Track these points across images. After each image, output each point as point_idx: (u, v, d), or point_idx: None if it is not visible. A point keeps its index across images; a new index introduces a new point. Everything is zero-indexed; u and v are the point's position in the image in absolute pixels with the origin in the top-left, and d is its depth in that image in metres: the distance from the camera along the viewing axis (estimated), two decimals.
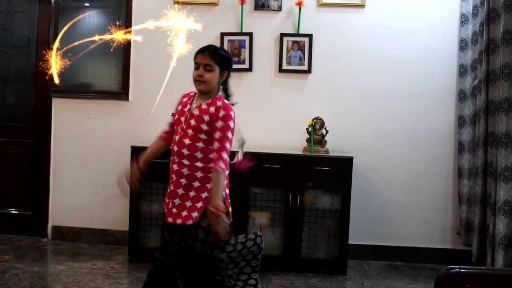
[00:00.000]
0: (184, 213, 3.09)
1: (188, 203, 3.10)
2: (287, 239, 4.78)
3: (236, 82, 5.24)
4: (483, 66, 4.59)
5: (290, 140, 5.20)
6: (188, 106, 3.24)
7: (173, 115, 3.36)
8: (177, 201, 3.12)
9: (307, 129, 5.02)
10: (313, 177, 4.76)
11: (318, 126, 4.96)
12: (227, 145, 3.07)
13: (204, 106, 3.16)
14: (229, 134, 3.09)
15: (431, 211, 5.25)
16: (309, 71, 5.23)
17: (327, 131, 5.01)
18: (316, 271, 4.75)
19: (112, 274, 4.49)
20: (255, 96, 5.30)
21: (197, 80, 3.18)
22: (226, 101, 3.18)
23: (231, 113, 3.12)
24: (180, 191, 3.12)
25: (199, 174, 3.10)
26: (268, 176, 4.77)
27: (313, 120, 4.98)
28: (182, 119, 3.22)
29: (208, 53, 3.17)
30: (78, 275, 4.42)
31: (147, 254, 4.83)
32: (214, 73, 3.17)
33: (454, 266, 2.09)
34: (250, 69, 5.27)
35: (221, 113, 3.09)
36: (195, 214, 3.07)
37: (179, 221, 3.09)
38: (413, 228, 5.26)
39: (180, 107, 3.31)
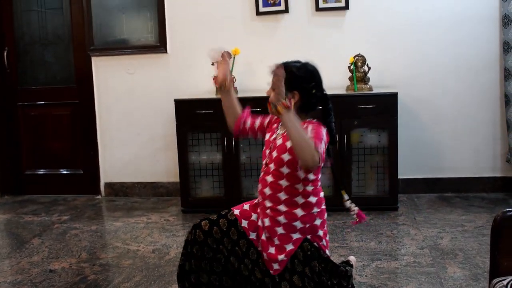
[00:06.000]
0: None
1: (272, 250, 2.60)
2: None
3: (272, 24, 5.23)
4: None
5: (332, 79, 5.09)
6: (274, 135, 2.73)
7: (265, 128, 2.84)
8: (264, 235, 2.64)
9: (348, 67, 4.93)
10: (359, 116, 4.70)
11: (360, 63, 4.87)
12: (321, 145, 2.47)
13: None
14: (322, 144, 2.49)
15: (480, 140, 5.15)
16: (346, 7, 5.08)
17: (369, 68, 4.92)
18: (367, 209, 4.72)
19: (167, 227, 4.60)
20: (293, 37, 5.20)
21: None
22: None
23: (322, 128, 2.59)
24: (265, 234, 2.64)
25: (282, 220, 2.60)
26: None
27: (354, 57, 4.88)
28: (267, 152, 2.70)
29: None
30: (135, 230, 4.54)
31: (200, 203, 4.96)
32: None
33: (510, 209, 2.06)
34: (286, 10, 5.15)
35: (309, 127, 2.58)
36: (281, 257, 2.58)
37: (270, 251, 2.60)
38: (462, 158, 5.19)
39: (270, 137, 2.75)
